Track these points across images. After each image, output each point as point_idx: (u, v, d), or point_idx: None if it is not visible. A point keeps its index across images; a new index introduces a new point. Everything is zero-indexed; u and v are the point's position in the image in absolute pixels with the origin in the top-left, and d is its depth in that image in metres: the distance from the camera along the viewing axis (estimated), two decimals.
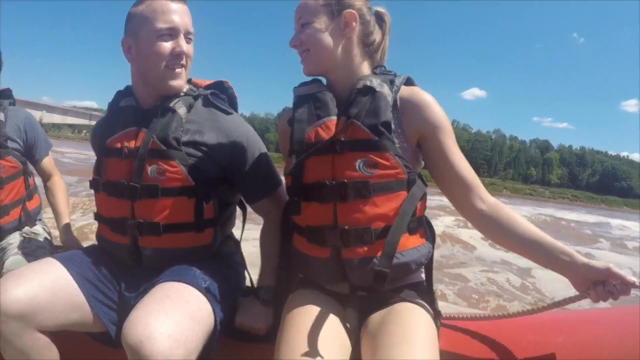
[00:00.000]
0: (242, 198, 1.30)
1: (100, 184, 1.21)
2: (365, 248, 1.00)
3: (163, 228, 1.13)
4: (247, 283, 1.31)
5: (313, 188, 1.04)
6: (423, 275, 1.11)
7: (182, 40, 1.16)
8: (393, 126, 1.02)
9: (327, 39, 1.06)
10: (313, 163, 1.04)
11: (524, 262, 5.38)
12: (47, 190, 1.83)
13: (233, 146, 1.18)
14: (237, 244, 1.34)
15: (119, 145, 1.18)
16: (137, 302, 0.99)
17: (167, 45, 1.14)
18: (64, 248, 1.63)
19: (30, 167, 1.76)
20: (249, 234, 1.37)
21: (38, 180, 1.80)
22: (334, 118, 1.05)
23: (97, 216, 1.25)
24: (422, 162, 1.12)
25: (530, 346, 1.08)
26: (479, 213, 1.06)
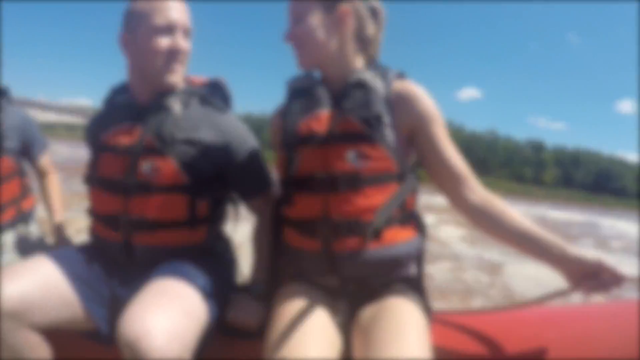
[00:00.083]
0: (235, 196, 1.30)
1: (94, 179, 1.21)
2: (356, 240, 1.01)
3: (156, 225, 1.14)
4: (240, 279, 1.32)
5: (304, 180, 1.05)
6: (414, 270, 1.11)
7: (179, 37, 1.16)
8: (385, 119, 1.03)
9: (322, 33, 1.07)
10: (305, 155, 1.06)
11: (496, 260, 5.24)
12: (43, 189, 1.84)
13: (227, 144, 1.19)
14: (229, 240, 1.35)
15: (113, 141, 1.18)
16: (130, 299, 1.00)
17: (164, 42, 1.14)
18: (57, 246, 1.63)
19: (25, 166, 1.77)
20: (241, 231, 1.39)
21: (32, 179, 1.81)
22: (327, 111, 1.07)
23: (90, 212, 1.25)
24: (415, 156, 1.12)
25: (522, 341, 1.09)
26: (469, 205, 1.07)
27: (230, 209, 1.35)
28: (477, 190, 1.08)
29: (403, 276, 1.08)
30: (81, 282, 1.13)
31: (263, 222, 1.27)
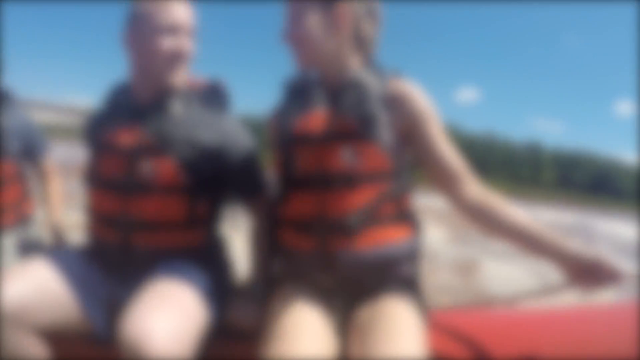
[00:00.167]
0: (233, 197, 1.30)
1: (93, 179, 1.21)
2: (351, 238, 1.01)
3: (155, 225, 1.14)
4: (238, 280, 1.32)
5: (301, 179, 1.06)
6: (409, 269, 1.11)
7: (182, 37, 1.16)
8: (380, 118, 1.04)
9: (319, 33, 1.07)
10: (301, 154, 1.06)
11: (472, 259, 5.23)
12: (44, 190, 1.84)
13: (225, 146, 1.19)
14: (227, 242, 1.35)
15: (113, 140, 1.18)
16: (129, 300, 1.01)
17: (167, 43, 1.14)
18: (57, 248, 1.64)
19: (26, 168, 1.77)
20: (238, 232, 1.39)
21: (34, 181, 1.81)
22: (323, 110, 1.07)
23: (89, 212, 1.25)
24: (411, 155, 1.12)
25: (516, 342, 1.09)
26: (467, 203, 1.08)
27: (227, 210, 1.35)
28: (475, 188, 1.09)
29: (398, 275, 1.08)
30: (80, 283, 1.13)
31: (259, 223, 1.28)
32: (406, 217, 1.09)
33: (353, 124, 1.04)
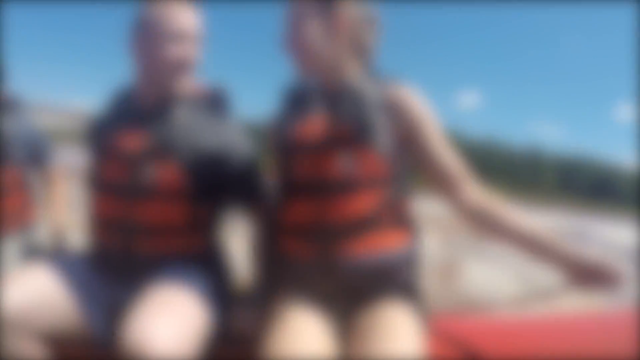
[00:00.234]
0: (233, 203, 1.29)
1: (95, 183, 1.20)
2: (350, 244, 1.01)
3: (157, 230, 1.13)
4: (238, 286, 1.31)
5: (299, 185, 1.06)
6: (408, 275, 1.10)
7: (189, 45, 1.15)
8: (378, 124, 1.03)
9: (318, 39, 1.07)
10: (299, 161, 1.06)
11: (458, 263, 5.18)
12: (48, 195, 1.82)
13: (227, 152, 1.18)
14: (228, 248, 1.34)
15: (116, 144, 1.17)
16: (130, 305, 1.01)
17: (173, 50, 1.13)
18: (58, 253, 1.62)
19: (31, 174, 1.75)
20: (238, 238, 1.38)
21: (38, 186, 1.80)
22: (321, 116, 1.07)
23: (90, 216, 1.24)
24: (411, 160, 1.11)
25: (516, 348, 1.09)
26: (465, 207, 1.07)
27: (227, 216, 1.34)
28: (475, 192, 1.08)
29: (397, 281, 1.07)
30: (81, 288, 1.12)
31: (259, 230, 1.27)
32: (405, 223, 1.08)
33: (351, 130, 1.04)
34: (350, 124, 1.04)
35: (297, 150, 1.08)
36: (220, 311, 1.14)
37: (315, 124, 1.08)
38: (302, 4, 1.09)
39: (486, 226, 1.07)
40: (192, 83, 1.23)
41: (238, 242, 1.43)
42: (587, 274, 1.00)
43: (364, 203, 1.02)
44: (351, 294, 1.06)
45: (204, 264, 1.19)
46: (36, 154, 1.75)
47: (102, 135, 1.23)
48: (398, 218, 1.06)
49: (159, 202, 1.13)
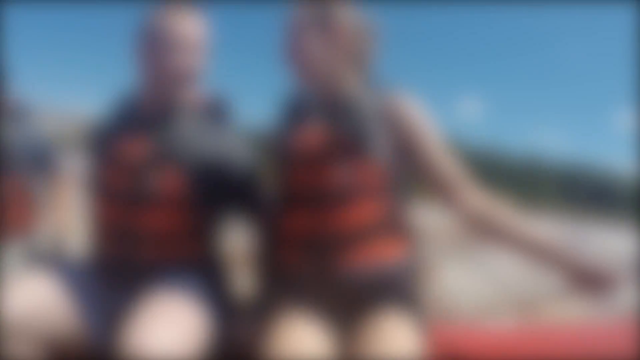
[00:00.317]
0: (233, 212, 1.29)
1: (97, 190, 1.21)
2: (347, 254, 1.01)
3: (158, 238, 1.14)
4: (239, 294, 1.30)
5: (296, 195, 1.06)
6: (407, 284, 1.09)
7: (192, 54, 1.15)
8: (376, 134, 1.04)
9: (317, 50, 1.07)
10: (297, 171, 1.06)
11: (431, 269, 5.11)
12: (52, 202, 1.82)
13: (230, 161, 1.19)
14: (229, 255, 1.34)
15: (119, 151, 1.18)
16: (130, 312, 1.01)
17: (176, 59, 1.13)
18: (62, 259, 1.60)
19: (36, 180, 1.75)
20: (238, 246, 1.38)
21: (42, 191, 1.79)
22: (318, 126, 1.07)
23: (92, 223, 1.24)
24: (409, 168, 1.11)
25: (516, 357, 1.09)
26: (466, 213, 1.08)
27: (228, 224, 1.35)
28: (475, 199, 1.08)
29: (396, 291, 1.07)
30: (83, 295, 1.13)
31: (258, 238, 1.26)
32: (404, 232, 1.09)
33: (349, 141, 1.04)
34: (348, 135, 1.04)
35: (294, 161, 1.08)
36: (220, 319, 1.14)
37: (313, 134, 1.08)
38: (301, 16, 1.10)
39: (488, 232, 1.08)
40: (195, 92, 1.24)
41: (238, 250, 1.43)
42: (587, 279, 1.01)
43: (362, 213, 1.03)
44: (350, 304, 1.06)
45: (204, 272, 1.19)
46: (41, 161, 1.74)
47: (105, 142, 1.24)
48: (397, 228, 1.06)
49: (161, 210, 1.14)
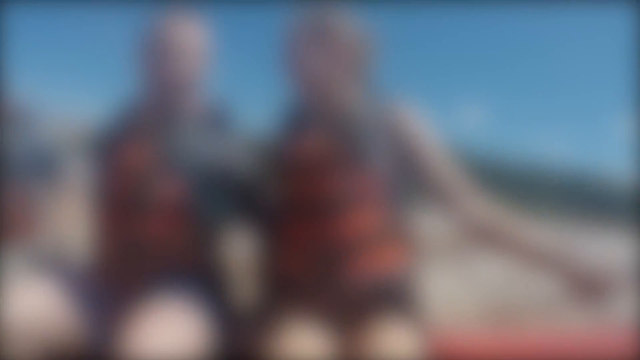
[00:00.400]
0: (235, 219, 1.28)
1: (98, 196, 1.21)
2: (348, 263, 1.01)
3: (159, 244, 1.13)
4: (241, 302, 1.28)
5: (297, 205, 1.07)
6: (407, 292, 1.10)
7: (193, 61, 1.16)
8: (376, 146, 1.04)
9: (317, 61, 1.08)
10: (297, 180, 1.07)
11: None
12: (54, 208, 1.77)
13: (232, 169, 1.19)
14: (229, 262, 1.32)
15: (119, 157, 1.18)
16: (131, 318, 1.01)
17: (177, 66, 1.14)
18: (63, 265, 1.56)
19: (39, 186, 1.71)
20: (239, 254, 1.37)
21: (44, 197, 1.75)
22: (319, 137, 1.07)
23: (93, 229, 1.24)
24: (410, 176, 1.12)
25: None
26: (467, 220, 1.08)
27: (229, 232, 1.34)
28: (477, 207, 1.09)
29: (396, 299, 1.07)
30: (84, 301, 1.13)
31: (260, 246, 1.26)
32: (405, 241, 1.09)
33: (349, 150, 1.05)
34: (348, 145, 1.05)
35: (295, 170, 1.08)
36: (222, 326, 1.13)
37: (313, 144, 1.08)
38: (301, 26, 1.11)
39: (488, 240, 1.08)
40: (197, 99, 1.24)
41: (240, 258, 1.43)
42: (586, 285, 1.01)
43: (362, 222, 1.03)
44: (351, 312, 1.06)
45: (206, 279, 1.19)
46: (43, 166, 1.74)
47: (107, 148, 1.24)
48: (397, 236, 1.07)
49: (162, 217, 1.14)
